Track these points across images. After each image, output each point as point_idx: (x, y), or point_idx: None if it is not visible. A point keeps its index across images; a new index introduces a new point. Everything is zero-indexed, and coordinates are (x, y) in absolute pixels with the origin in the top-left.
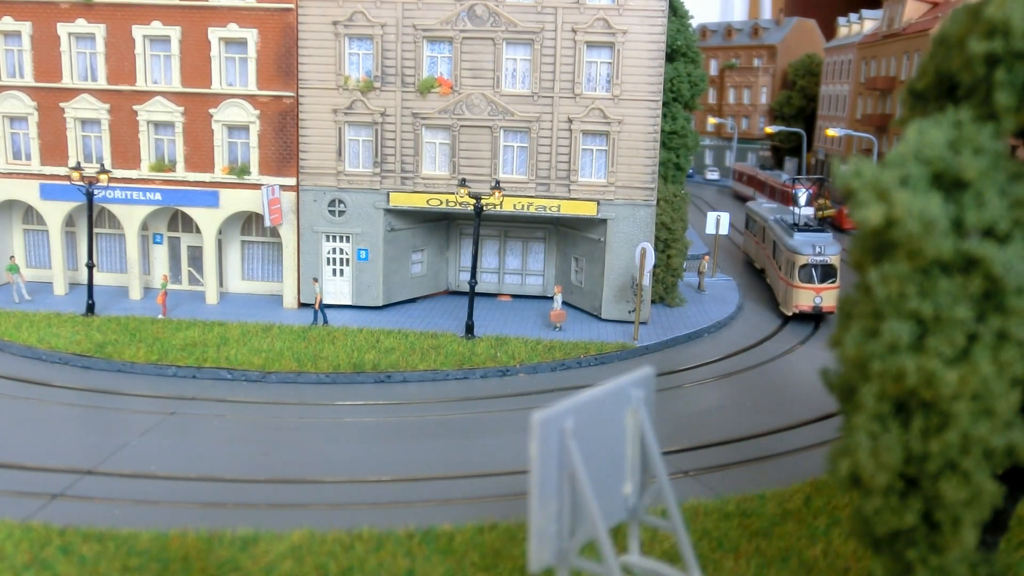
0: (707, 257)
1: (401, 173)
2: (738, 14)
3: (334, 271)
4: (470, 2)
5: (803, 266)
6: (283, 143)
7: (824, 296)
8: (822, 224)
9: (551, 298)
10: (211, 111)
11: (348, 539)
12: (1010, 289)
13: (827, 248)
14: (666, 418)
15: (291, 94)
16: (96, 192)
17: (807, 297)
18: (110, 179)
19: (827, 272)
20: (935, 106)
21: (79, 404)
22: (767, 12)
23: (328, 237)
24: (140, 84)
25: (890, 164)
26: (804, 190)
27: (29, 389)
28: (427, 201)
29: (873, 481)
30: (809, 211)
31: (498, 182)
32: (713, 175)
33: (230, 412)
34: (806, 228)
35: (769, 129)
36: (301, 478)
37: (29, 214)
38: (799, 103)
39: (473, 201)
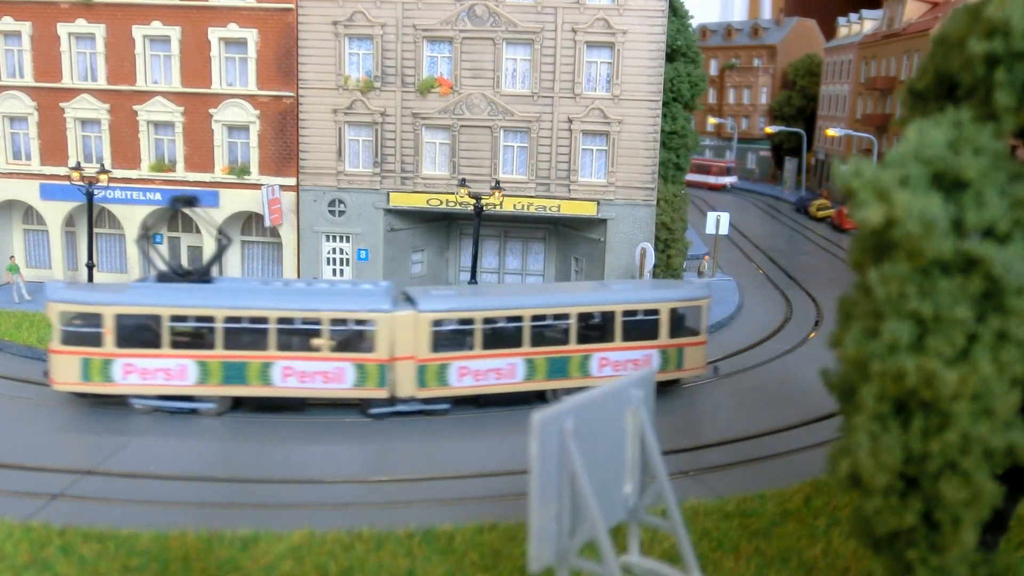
0: (707, 257)
1: (401, 173)
2: (738, 14)
3: (334, 271)
4: (470, 2)
5: None
6: (283, 143)
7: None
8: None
9: None
10: (211, 111)
11: (348, 539)
12: (1010, 289)
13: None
14: (666, 418)
15: (291, 94)
16: (96, 192)
17: None
18: (110, 179)
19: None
20: (935, 106)
21: (79, 404)
22: (767, 12)
23: (328, 237)
24: (140, 84)
25: (890, 164)
26: None
27: (29, 389)
28: (427, 201)
29: (873, 481)
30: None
31: (498, 182)
32: None
33: (230, 412)
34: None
35: (769, 129)
36: (301, 478)
37: (29, 214)
38: (799, 103)
39: (473, 201)
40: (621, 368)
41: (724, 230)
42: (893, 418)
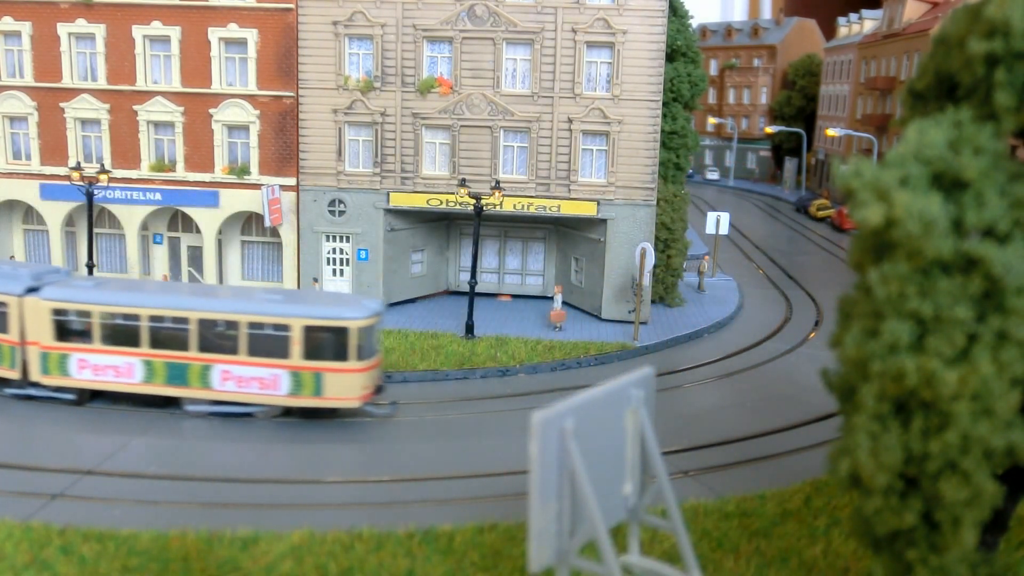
0: (707, 257)
1: (401, 173)
2: (738, 14)
3: (334, 271)
4: (470, 2)
5: None
6: (283, 143)
7: None
8: None
9: (551, 298)
10: (211, 111)
11: (348, 539)
12: (1010, 289)
13: None
14: (666, 418)
15: (291, 94)
16: (96, 192)
17: None
18: (110, 179)
19: None
20: (935, 106)
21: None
22: (767, 12)
23: (328, 237)
24: (140, 84)
25: (890, 164)
26: None
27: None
28: (427, 201)
29: (873, 481)
30: None
31: (498, 182)
32: (713, 175)
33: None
34: None
35: (769, 129)
36: (301, 478)
37: (29, 214)
38: (799, 103)
39: (473, 201)
40: (245, 385)
41: (724, 230)
42: (893, 418)
